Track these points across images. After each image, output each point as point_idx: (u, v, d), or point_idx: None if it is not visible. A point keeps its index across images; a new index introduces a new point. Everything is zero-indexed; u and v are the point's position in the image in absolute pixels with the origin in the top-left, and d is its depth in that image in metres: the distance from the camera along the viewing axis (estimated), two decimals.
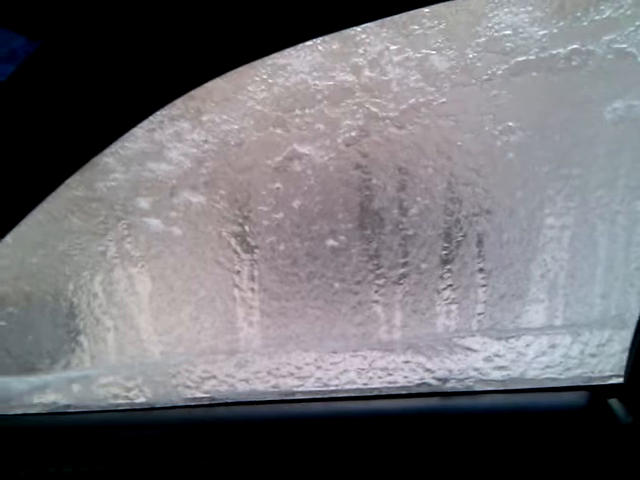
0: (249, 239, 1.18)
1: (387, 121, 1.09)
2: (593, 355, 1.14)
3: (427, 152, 1.10)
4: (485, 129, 1.08)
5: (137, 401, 1.24)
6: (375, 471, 1.15)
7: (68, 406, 1.27)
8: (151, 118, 1.09)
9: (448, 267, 1.14)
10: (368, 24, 1.01)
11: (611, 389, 1.12)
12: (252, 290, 1.20)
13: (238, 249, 1.19)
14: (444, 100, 1.08)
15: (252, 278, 1.20)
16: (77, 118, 1.04)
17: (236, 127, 1.13)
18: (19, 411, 1.26)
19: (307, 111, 1.10)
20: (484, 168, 1.09)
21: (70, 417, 1.26)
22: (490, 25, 1.02)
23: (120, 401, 1.25)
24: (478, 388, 1.15)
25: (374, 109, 1.09)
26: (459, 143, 1.08)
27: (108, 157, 1.16)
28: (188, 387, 1.23)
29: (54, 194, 1.13)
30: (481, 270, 1.14)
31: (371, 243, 1.15)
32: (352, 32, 1.05)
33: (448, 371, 1.16)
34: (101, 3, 0.91)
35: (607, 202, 1.07)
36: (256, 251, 1.19)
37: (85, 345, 1.27)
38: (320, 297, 1.18)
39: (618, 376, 1.13)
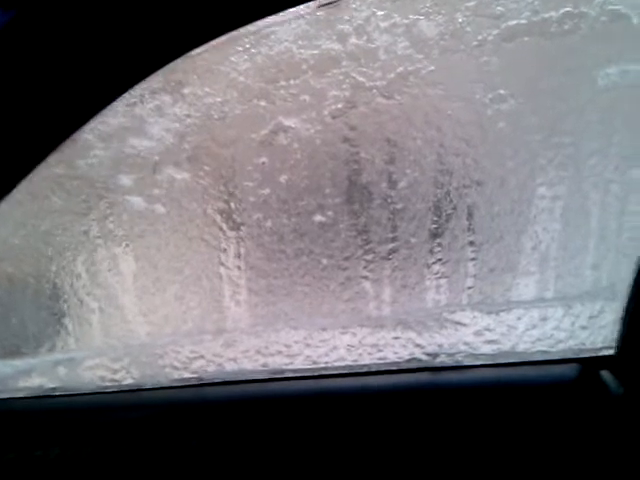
0: (235, 216, 1.17)
1: (374, 91, 1.07)
2: (584, 327, 1.13)
3: (416, 123, 1.08)
4: (475, 97, 1.06)
5: (124, 383, 1.23)
6: (367, 447, 1.16)
7: (54, 389, 1.26)
8: (131, 92, 1.07)
9: (438, 241, 1.13)
10: None
11: (602, 361, 1.11)
12: (239, 268, 1.19)
13: (224, 226, 1.18)
14: (433, 68, 1.06)
15: (238, 256, 1.18)
16: (54, 92, 1.02)
17: (219, 100, 1.11)
18: (4, 395, 1.26)
19: (292, 82, 1.08)
20: (474, 138, 1.07)
21: (56, 400, 1.25)
22: None
23: (107, 383, 1.24)
24: (468, 362, 1.14)
25: (361, 79, 1.07)
26: (449, 112, 1.07)
27: (88, 133, 1.14)
28: (176, 368, 1.22)
29: (34, 173, 1.15)
30: (471, 243, 1.12)
31: (359, 218, 1.14)
32: None
33: (438, 346, 1.15)
34: None
35: (600, 171, 1.05)
36: (242, 228, 1.17)
37: (69, 327, 1.27)
38: (308, 274, 1.17)
39: (609, 348, 1.12)
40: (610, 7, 0.99)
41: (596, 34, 1.01)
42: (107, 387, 1.24)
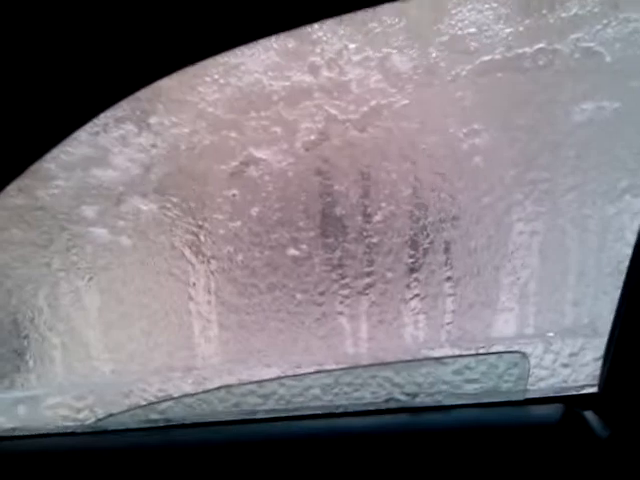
0: (204, 249, 1.17)
1: (348, 124, 1.09)
2: (565, 365, 1.15)
3: (390, 156, 1.10)
4: (450, 132, 1.08)
5: (88, 423, 1.21)
6: None
7: (13, 429, 1.24)
8: (95, 120, 1.03)
9: (415, 276, 1.14)
10: (325, 21, 1.00)
11: (586, 399, 1.12)
12: (209, 303, 1.19)
13: (193, 260, 1.18)
14: (407, 102, 1.08)
15: (209, 290, 1.19)
16: (13, 120, 1.01)
17: (187, 130, 1.12)
18: None
19: (263, 113, 1.09)
20: (450, 172, 1.10)
21: (16, 443, 1.22)
22: (453, 23, 1.03)
23: (70, 423, 1.23)
24: (449, 402, 1.14)
25: (334, 111, 1.09)
26: (423, 146, 1.09)
27: (49, 163, 1.14)
28: (142, 407, 1.20)
29: None
30: (449, 279, 1.14)
31: (334, 252, 1.15)
32: (309, 30, 1.04)
33: (417, 385, 1.15)
34: None
35: (577, 206, 1.08)
36: (212, 262, 1.18)
37: (30, 364, 1.25)
38: (282, 309, 1.18)
39: (592, 385, 1.14)
40: (583, 44, 1.02)
41: (570, 70, 1.04)
42: (69, 427, 1.22)
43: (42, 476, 1.17)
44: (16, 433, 1.22)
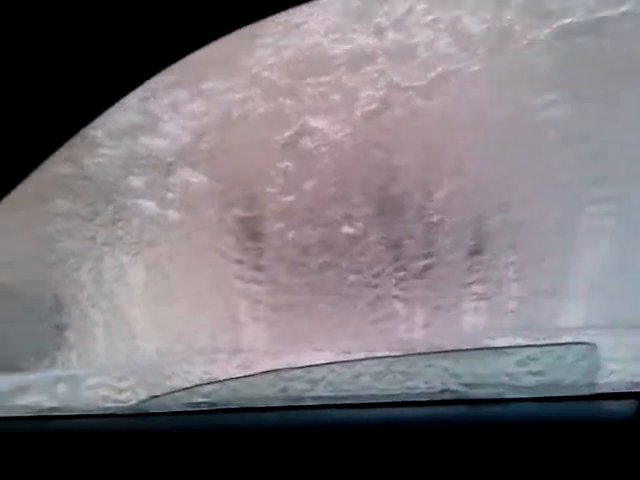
0: (254, 225, 1.16)
1: (412, 92, 1.06)
2: (639, 359, 1.08)
3: (457, 127, 1.07)
4: (523, 102, 1.04)
5: (129, 404, 1.20)
6: None
7: (53, 409, 1.23)
8: (144, 86, 1.01)
9: (478, 259, 1.10)
10: None
11: None
12: (257, 282, 1.18)
13: (242, 236, 1.17)
14: (477, 68, 1.04)
15: (257, 269, 1.17)
16: (59, 84, 0.97)
17: (240, 97, 1.10)
18: None
19: (321, 79, 1.07)
20: (521, 146, 1.05)
21: (55, 422, 1.22)
22: None
23: (111, 404, 1.22)
24: (510, 395, 1.08)
25: (398, 78, 1.06)
26: (494, 117, 1.05)
27: (96, 130, 1.13)
28: (186, 390, 1.17)
29: (37, 171, 1.09)
30: (514, 263, 1.10)
31: (391, 231, 1.12)
32: None
33: (475, 376, 1.10)
34: None
35: None
36: (262, 238, 1.16)
37: (72, 342, 1.26)
38: (333, 291, 1.16)
39: None
40: None
41: None
42: (110, 409, 1.21)
43: (81, 458, 1.16)
44: (55, 413, 1.22)
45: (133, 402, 1.19)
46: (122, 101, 1.01)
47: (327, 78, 1.07)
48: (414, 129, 1.08)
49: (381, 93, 1.07)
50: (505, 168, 1.07)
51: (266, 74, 1.09)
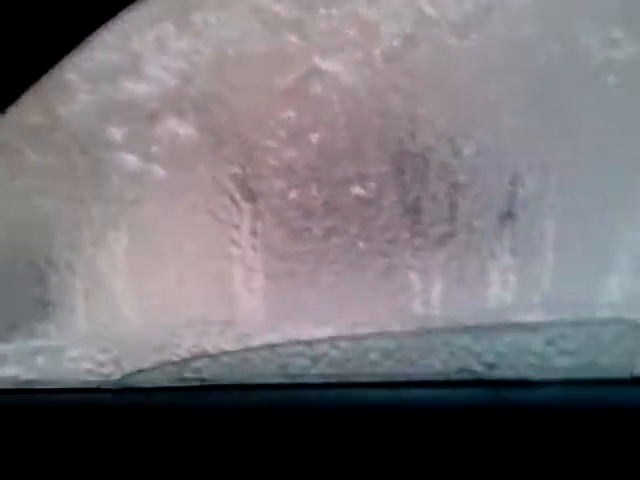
0: (251, 184, 1.11)
1: (444, 27, 0.97)
2: None
3: (496, 70, 0.99)
4: (579, 41, 0.94)
5: (112, 378, 1.18)
6: (402, 473, 1.05)
7: (31, 382, 1.21)
8: (124, 19, 0.96)
9: (508, 225, 1.05)
10: None
11: None
12: (254, 248, 1.13)
13: (237, 196, 1.12)
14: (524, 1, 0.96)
15: (254, 233, 1.13)
16: (21, 12, 0.89)
17: (237, 32, 1.03)
18: None
19: (335, 11, 0.98)
20: (570, 95, 0.98)
21: (34, 396, 1.20)
22: None
23: (92, 378, 1.20)
24: (537, 377, 1.06)
25: (428, 9, 0.97)
26: (541, 58, 0.96)
27: (70, 73, 1.07)
28: (174, 364, 1.16)
29: (2, 120, 1.04)
30: (550, 231, 1.05)
31: (410, 192, 1.06)
32: None
33: (498, 355, 1.07)
34: None
35: None
36: (260, 199, 1.12)
37: (50, 310, 1.23)
38: (340, 259, 1.11)
39: None
40: None
41: None
42: (92, 383, 1.19)
43: (61, 433, 1.13)
44: (34, 386, 1.20)
45: (117, 376, 1.17)
46: (98, 37, 0.95)
47: (342, 10, 1.00)
48: (442, 73, 1.02)
49: (407, 29, 0.99)
50: (548, 122, 1.00)
51: (268, 4, 1.01)
